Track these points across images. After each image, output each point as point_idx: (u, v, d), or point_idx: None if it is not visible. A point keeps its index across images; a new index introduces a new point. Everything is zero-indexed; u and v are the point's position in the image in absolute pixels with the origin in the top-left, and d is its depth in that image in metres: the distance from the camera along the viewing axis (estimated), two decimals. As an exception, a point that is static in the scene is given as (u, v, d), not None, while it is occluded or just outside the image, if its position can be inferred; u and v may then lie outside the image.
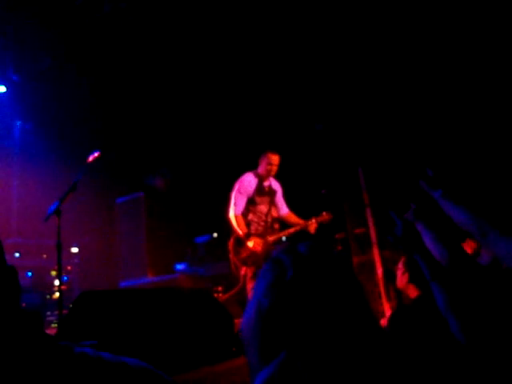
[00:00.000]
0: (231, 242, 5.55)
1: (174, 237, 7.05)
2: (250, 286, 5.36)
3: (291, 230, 5.67)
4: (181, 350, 3.37)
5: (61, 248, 4.33)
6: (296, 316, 1.02)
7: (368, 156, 6.58)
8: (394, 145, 6.29)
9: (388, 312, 5.44)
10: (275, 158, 5.73)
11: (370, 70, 6.52)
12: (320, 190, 6.26)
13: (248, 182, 5.71)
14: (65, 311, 4.44)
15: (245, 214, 5.61)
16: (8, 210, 7.49)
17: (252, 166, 5.91)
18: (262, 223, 5.66)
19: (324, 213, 5.73)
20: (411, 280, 2.99)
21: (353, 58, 6.57)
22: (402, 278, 3.08)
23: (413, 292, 3.01)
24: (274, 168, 5.72)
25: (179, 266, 6.77)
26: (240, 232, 5.52)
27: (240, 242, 5.50)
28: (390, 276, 5.55)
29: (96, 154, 4.67)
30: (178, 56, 7.43)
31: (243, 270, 5.46)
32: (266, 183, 5.78)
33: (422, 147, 5.93)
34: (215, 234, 6.98)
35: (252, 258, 5.46)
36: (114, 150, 5.79)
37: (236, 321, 4.14)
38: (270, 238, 5.57)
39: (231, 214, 5.61)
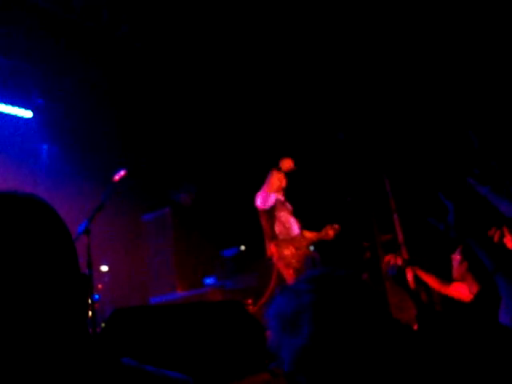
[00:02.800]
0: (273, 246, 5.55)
1: (201, 251, 7.08)
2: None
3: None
4: (215, 363, 3.38)
5: (91, 267, 4.39)
6: (315, 340, 1.01)
7: (393, 162, 6.54)
8: (418, 149, 6.24)
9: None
10: (287, 163, 5.77)
11: (392, 76, 6.50)
12: (346, 197, 6.25)
13: (272, 197, 5.75)
14: (98, 329, 4.48)
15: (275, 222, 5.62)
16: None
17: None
18: (287, 230, 5.64)
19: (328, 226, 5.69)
20: (470, 269, 2.86)
21: (373, 65, 6.56)
22: (459, 269, 2.95)
23: (471, 284, 2.88)
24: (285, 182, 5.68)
25: (208, 280, 6.78)
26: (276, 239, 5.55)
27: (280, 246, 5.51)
28: (420, 281, 5.50)
29: (122, 173, 4.73)
30: (199, 70, 7.52)
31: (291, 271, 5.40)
32: (281, 197, 5.79)
33: (446, 150, 5.88)
34: (242, 247, 6.99)
35: (295, 260, 5.44)
36: (139, 168, 5.86)
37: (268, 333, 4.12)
38: (304, 243, 5.57)
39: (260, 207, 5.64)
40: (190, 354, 3.34)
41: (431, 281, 3.80)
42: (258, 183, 6.31)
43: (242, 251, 7.00)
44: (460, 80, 6.04)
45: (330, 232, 5.55)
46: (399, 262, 2.72)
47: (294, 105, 7.17)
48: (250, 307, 6.10)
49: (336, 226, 5.62)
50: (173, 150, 7.94)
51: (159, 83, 7.76)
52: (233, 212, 7.17)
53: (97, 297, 7.20)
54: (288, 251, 5.41)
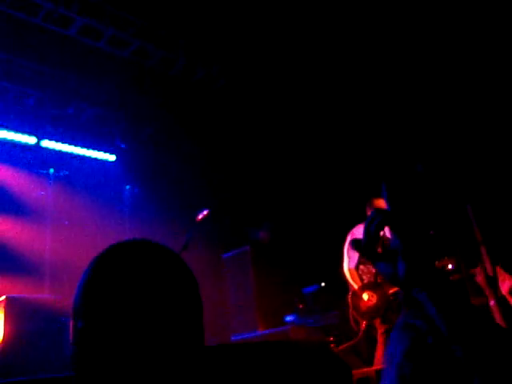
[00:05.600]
0: (349, 297, 5.51)
1: (282, 289, 7.05)
2: (380, 340, 5.27)
3: None
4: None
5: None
6: (438, 381, 1.00)
7: (476, 191, 6.31)
8: (503, 176, 6.00)
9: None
10: (381, 202, 5.66)
11: (466, 103, 6.34)
12: (428, 231, 6.06)
13: (359, 234, 5.63)
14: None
15: (357, 266, 5.55)
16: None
17: (356, 212, 5.86)
18: (373, 275, 5.52)
19: None
20: None
21: (445, 92, 6.43)
22: None
23: None
24: None
25: (289, 318, 6.73)
26: (355, 286, 5.47)
27: (357, 297, 5.42)
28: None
29: (205, 213, 4.85)
30: (272, 110, 7.65)
31: (363, 325, 5.35)
32: None
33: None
34: (323, 284, 6.91)
35: (371, 311, 5.36)
36: (221, 207, 5.99)
37: (354, 372, 4.02)
38: (390, 290, 5.43)
39: (345, 269, 5.61)
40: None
41: None
42: (337, 217, 6.27)
43: (323, 288, 6.92)
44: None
45: None
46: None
47: (369, 139, 7.12)
48: (333, 345, 5.98)
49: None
50: (252, 188, 8.06)
51: (236, 122, 7.96)
52: (312, 248, 7.14)
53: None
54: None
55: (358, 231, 5.71)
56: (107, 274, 0.91)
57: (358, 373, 4.74)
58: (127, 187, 8.94)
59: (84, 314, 0.90)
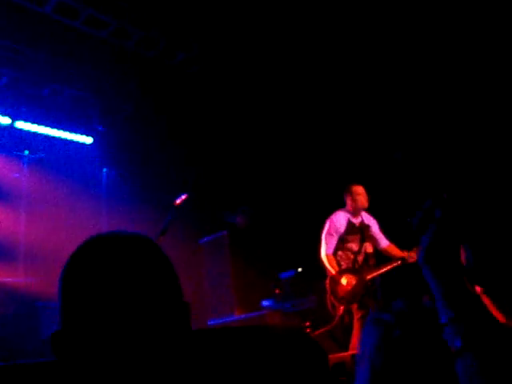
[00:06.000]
0: (327, 282, 5.55)
1: (259, 273, 7.07)
2: (357, 326, 5.33)
3: (387, 268, 5.57)
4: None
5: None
6: (407, 372, 1.07)
7: (452, 181, 6.37)
8: (482, 166, 6.07)
9: None
10: (359, 189, 5.68)
11: (450, 93, 6.38)
12: (405, 219, 6.12)
13: (339, 222, 5.68)
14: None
15: (334, 252, 5.58)
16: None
17: (332, 199, 5.89)
18: (351, 260, 5.59)
19: None
20: None
21: (432, 81, 6.46)
22: None
23: None
24: (361, 199, 5.65)
25: (266, 303, 6.75)
26: (332, 271, 5.50)
27: (335, 282, 5.46)
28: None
29: (183, 197, 4.81)
30: (249, 90, 7.60)
31: (341, 310, 5.40)
32: (356, 220, 5.72)
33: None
34: (300, 269, 6.94)
35: (348, 296, 5.41)
36: (194, 191, 5.94)
37: (330, 356, 4.05)
38: (367, 276, 5.48)
39: (323, 254, 5.63)
40: (251, 379, 3.31)
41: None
42: (314, 204, 6.28)
43: (300, 273, 6.95)
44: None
45: (412, 259, 5.44)
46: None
47: (351, 126, 7.13)
48: (308, 330, 6.03)
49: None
50: (229, 173, 8.03)
51: (214, 106, 7.89)
52: (289, 234, 7.15)
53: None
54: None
55: (337, 218, 5.73)
56: (88, 260, 0.91)
57: (334, 357, 4.79)
58: (104, 170, 8.83)
59: (66, 301, 0.91)
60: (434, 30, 6.07)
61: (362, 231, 5.71)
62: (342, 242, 5.62)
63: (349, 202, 5.70)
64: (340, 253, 5.61)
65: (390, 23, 6.21)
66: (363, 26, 6.30)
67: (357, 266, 5.57)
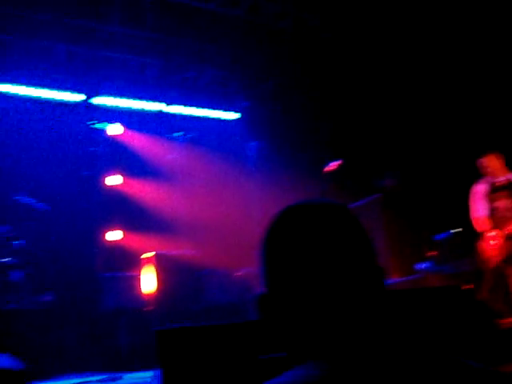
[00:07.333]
0: (479, 243, 5.55)
1: (412, 236, 6.88)
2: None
3: None
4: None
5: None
6: None
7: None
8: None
9: None
10: (484, 161, 5.61)
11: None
12: None
13: (478, 192, 5.65)
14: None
15: (486, 213, 5.54)
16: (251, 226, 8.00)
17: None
18: (502, 218, 5.48)
19: None
20: None
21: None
22: None
23: None
24: (490, 170, 5.56)
25: (423, 265, 6.56)
26: (482, 232, 5.52)
27: (484, 241, 5.50)
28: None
29: (337, 163, 4.85)
30: (393, 57, 7.35)
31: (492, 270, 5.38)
32: (499, 179, 5.53)
33: None
34: (456, 230, 6.65)
35: (498, 255, 5.32)
36: (345, 158, 5.90)
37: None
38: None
39: (473, 217, 5.68)
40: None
41: None
42: (467, 163, 6.04)
43: (456, 234, 6.65)
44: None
45: None
46: None
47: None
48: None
49: None
50: (378, 138, 7.85)
51: (356, 74, 7.74)
52: (443, 195, 6.85)
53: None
54: None
55: (476, 190, 5.69)
56: (292, 228, 0.96)
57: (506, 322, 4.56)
58: (252, 144, 9.09)
59: (272, 266, 0.96)
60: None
61: (510, 188, 5.46)
62: (490, 202, 5.53)
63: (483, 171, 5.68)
64: (488, 213, 5.53)
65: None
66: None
67: (505, 224, 5.42)
